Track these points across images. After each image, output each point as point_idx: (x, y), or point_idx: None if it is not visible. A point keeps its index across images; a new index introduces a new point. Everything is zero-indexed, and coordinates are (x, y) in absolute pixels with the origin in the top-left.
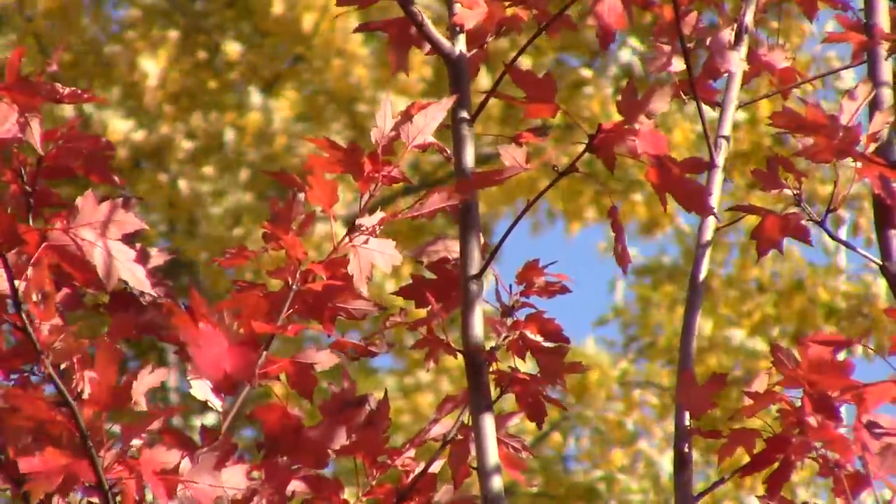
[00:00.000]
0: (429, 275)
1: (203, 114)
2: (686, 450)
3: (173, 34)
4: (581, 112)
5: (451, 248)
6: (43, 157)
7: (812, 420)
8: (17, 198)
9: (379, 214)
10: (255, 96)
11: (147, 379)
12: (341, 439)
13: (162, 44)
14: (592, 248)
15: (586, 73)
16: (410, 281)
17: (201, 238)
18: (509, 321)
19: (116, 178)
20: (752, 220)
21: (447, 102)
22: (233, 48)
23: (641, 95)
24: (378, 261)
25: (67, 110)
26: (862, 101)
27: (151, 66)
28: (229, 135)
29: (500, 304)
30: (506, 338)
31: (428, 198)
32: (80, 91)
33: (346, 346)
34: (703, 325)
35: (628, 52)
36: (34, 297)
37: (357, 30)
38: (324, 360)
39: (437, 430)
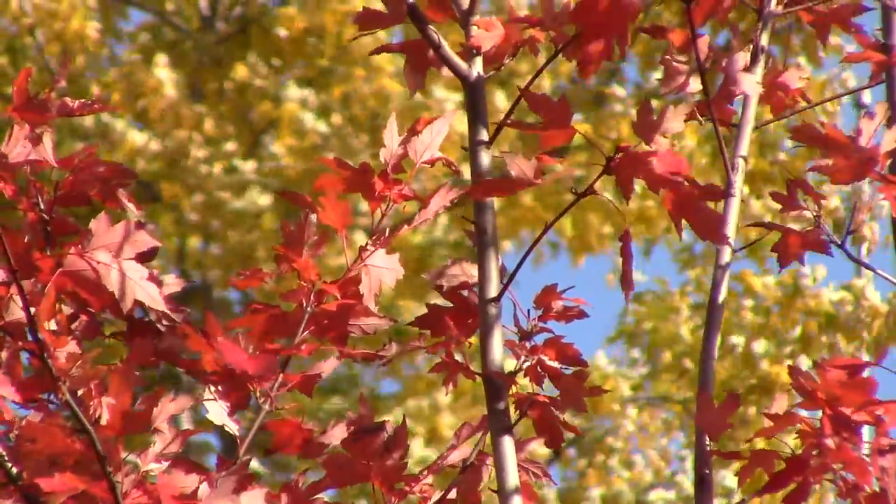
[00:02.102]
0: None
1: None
2: (706, 472)
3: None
4: (608, 130)
5: (469, 272)
6: (59, 186)
7: (830, 442)
8: (34, 226)
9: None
10: (293, 90)
11: (169, 406)
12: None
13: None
14: (596, 276)
15: (620, 91)
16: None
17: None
18: (528, 346)
19: (133, 205)
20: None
21: (451, 116)
22: (242, 72)
23: (657, 115)
24: (386, 277)
25: (88, 122)
26: (880, 121)
27: (166, 75)
28: (248, 166)
29: (519, 329)
30: (524, 363)
31: (429, 201)
32: (90, 101)
33: (355, 355)
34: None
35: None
36: (48, 324)
37: (375, 51)
38: (328, 368)
39: (456, 457)
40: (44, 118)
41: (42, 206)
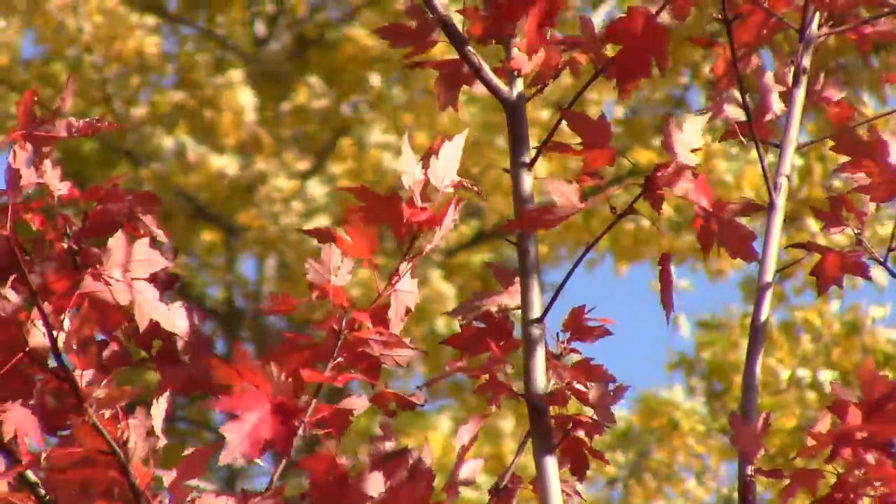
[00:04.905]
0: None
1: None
2: (750, 499)
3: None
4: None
5: (494, 302)
6: (87, 216)
7: (870, 458)
8: (62, 257)
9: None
10: (376, 133)
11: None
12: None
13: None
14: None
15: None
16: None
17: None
18: (564, 369)
19: (161, 233)
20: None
21: (462, 138)
22: (302, 96)
23: (682, 129)
24: (409, 301)
25: (166, 142)
26: None
27: (248, 99)
28: (317, 190)
29: (547, 353)
30: (555, 385)
31: (440, 219)
32: (95, 120)
33: (388, 397)
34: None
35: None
36: (74, 346)
37: (408, 66)
38: (361, 405)
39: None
40: (48, 139)
41: (70, 237)
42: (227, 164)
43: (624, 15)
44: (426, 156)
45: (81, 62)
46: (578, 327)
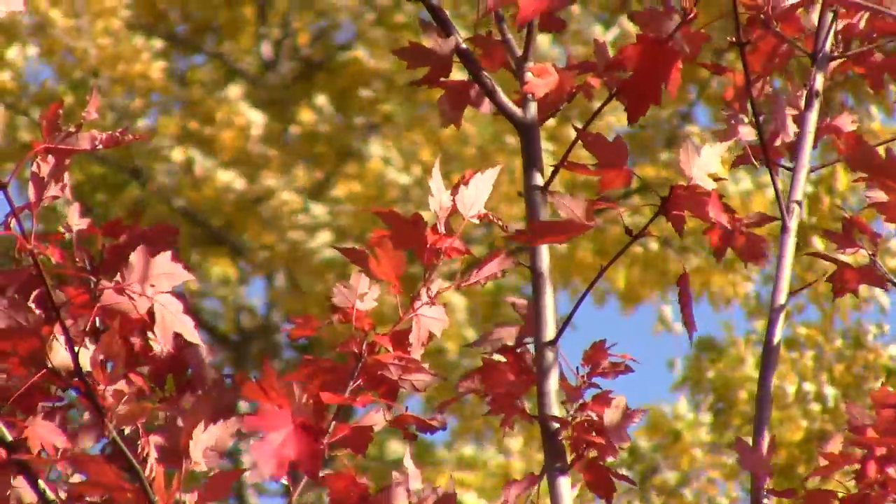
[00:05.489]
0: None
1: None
2: None
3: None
4: (659, 173)
5: (512, 333)
6: (105, 250)
7: (892, 471)
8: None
9: (438, 283)
10: (376, 147)
11: (203, 437)
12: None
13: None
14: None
15: (690, 129)
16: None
17: (302, 294)
18: (577, 403)
19: (181, 263)
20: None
21: (494, 172)
22: (308, 118)
23: (700, 154)
24: (433, 327)
25: (177, 155)
26: None
27: (256, 116)
28: (318, 209)
29: (566, 387)
30: (574, 419)
31: (484, 264)
32: (118, 133)
33: (408, 420)
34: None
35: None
36: (100, 360)
37: (414, 83)
38: (381, 421)
39: None
40: (71, 152)
41: (89, 270)
42: (233, 179)
43: (634, 41)
44: (455, 185)
45: (87, 84)
46: (599, 363)
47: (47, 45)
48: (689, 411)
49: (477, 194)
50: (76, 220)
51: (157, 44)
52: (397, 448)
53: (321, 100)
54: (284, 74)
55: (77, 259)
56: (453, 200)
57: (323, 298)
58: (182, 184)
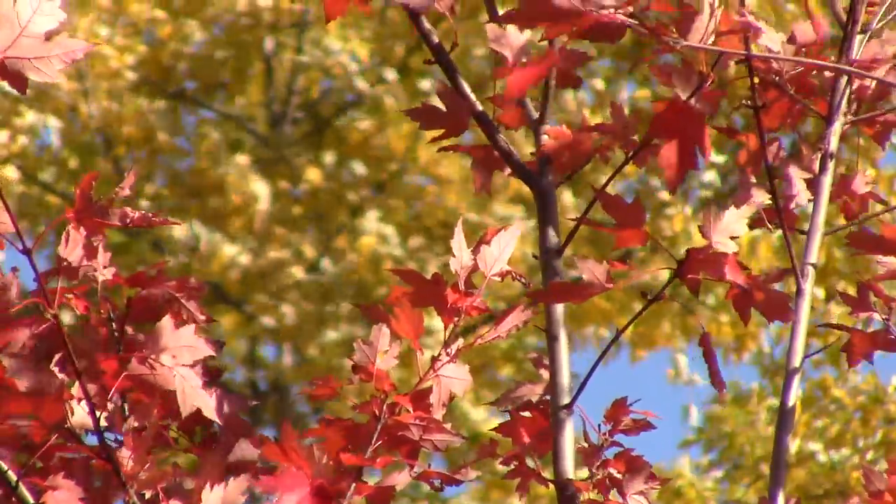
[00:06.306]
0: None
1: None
2: None
3: (248, 158)
4: (662, 231)
5: (536, 391)
6: (131, 302)
7: None
8: (106, 343)
9: (458, 341)
10: (371, 222)
11: (212, 497)
12: None
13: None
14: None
15: (665, 196)
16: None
17: (308, 365)
18: (598, 461)
19: (203, 317)
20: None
21: (518, 227)
22: (315, 175)
23: (722, 217)
24: (455, 387)
25: (177, 231)
26: None
27: (262, 189)
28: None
29: (588, 443)
30: (594, 477)
31: (503, 318)
32: (150, 214)
33: (432, 475)
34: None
35: (712, 173)
36: (122, 428)
37: (441, 148)
38: (401, 481)
39: None
40: (102, 225)
41: (114, 323)
42: (238, 252)
43: (662, 108)
44: (477, 243)
45: (92, 147)
46: (620, 420)
47: (52, 107)
48: (695, 468)
49: (500, 252)
50: (103, 271)
51: (162, 104)
52: None
53: (329, 158)
54: (290, 133)
55: (102, 310)
56: (474, 259)
57: (329, 370)
58: (190, 259)
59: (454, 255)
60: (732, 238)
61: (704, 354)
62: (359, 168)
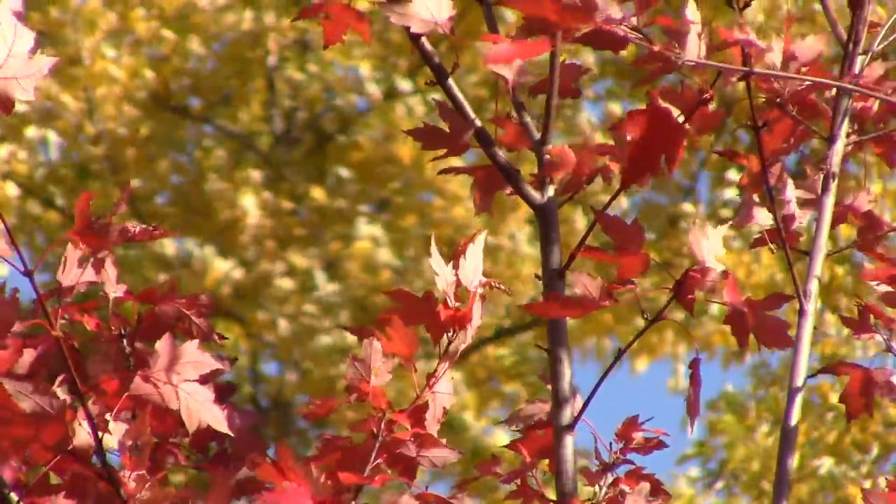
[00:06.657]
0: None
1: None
2: None
3: (255, 174)
4: (682, 248)
5: (545, 410)
6: (140, 318)
7: None
8: (116, 359)
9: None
10: (363, 227)
11: None
12: None
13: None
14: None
15: (688, 207)
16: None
17: (307, 379)
18: (608, 479)
19: (216, 335)
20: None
21: (482, 237)
22: (318, 194)
23: (708, 235)
24: (446, 402)
25: (169, 248)
26: None
27: (251, 204)
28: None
29: (599, 461)
30: (605, 494)
31: (469, 315)
32: (151, 228)
33: (430, 498)
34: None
35: (732, 191)
36: (126, 447)
37: (442, 172)
38: (406, 502)
39: None
40: (104, 243)
41: (125, 340)
42: (231, 268)
43: (644, 109)
44: (454, 257)
45: (94, 165)
46: (632, 438)
47: (58, 127)
48: (692, 484)
49: (474, 264)
50: (113, 287)
51: (164, 119)
52: None
53: (331, 176)
54: (292, 151)
55: (112, 327)
56: (456, 274)
57: (328, 382)
58: (182, 276)
59: (437, 274)
60: (716, 259)
61: (691, 378)
62: (361, 185)
